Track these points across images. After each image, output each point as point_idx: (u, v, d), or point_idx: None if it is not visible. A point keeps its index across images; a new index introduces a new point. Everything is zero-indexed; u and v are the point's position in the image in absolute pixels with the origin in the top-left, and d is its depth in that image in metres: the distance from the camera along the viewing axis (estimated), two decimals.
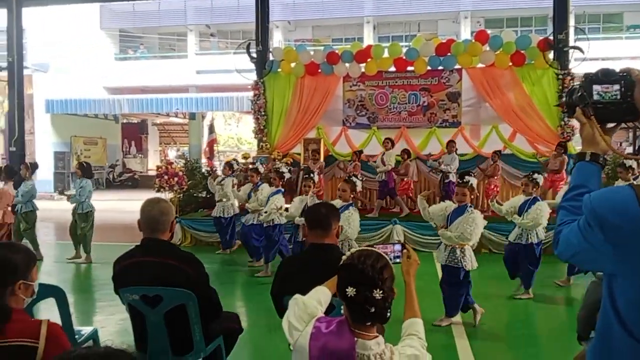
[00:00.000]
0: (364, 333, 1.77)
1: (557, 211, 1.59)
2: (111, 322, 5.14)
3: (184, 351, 2.94)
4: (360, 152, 10.29)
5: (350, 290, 1.74)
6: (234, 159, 9.89)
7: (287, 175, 7.73)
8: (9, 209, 7.60)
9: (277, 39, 22.45)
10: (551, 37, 10.00)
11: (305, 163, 10.49)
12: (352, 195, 5.54)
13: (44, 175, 19.16)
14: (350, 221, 5.12)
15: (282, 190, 7.33)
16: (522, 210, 5.79)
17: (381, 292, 1.74)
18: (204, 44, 25.31)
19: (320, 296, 2.07)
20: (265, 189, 7.36)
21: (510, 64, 10.00)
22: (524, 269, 5.84)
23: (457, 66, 10.34)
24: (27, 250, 2.08)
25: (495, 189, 9.72)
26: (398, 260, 2.15)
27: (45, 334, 1.87)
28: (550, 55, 9.89)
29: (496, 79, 10.12)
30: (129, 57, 24.74)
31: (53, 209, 8.51)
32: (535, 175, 5.95)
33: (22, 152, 12.53)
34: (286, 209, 7.06)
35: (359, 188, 5.78)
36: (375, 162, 9.93)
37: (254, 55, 11.15)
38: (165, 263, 2.83)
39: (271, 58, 11.20)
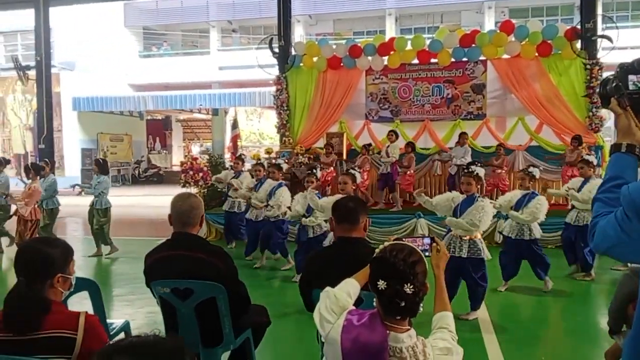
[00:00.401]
0: (396, 326, 1.78)
1: (592, 203, 1.56)
2: (140, 315, 5.24)
3: (214, 343, 2.98)
4: (370, 145, 10.22)
5: (381, 284, 1.75)
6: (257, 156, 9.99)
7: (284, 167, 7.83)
8: (36, 205, 7.79)
9: (298, 34, 22.45)
10: (578, 26, 9.79)
11: (314, 151, 10.55)
12: (353, 188, 5.63)
13: (72, 171, 19.62)
14: None
15: (284, 183, 7.36)
16: (520, 204, 5.68)
17: (412, 286, 1.74)
18: (225, 40, 25.47)
19: (349, 288, 2.08)
20: (267, 183, 7.32)
21: (537, 54, 9.83)
22: (535, 260, 5.77)
23: (482, 57, 10.21)
24: (65, 244, 2.14)
25: (506, 182, 9.48)
26: (427, 253, 2.14)
27: (83, 326, 1.93)
28: (578, 44, 9.69)
29: (522, 70, 9.96)
30: (153, 54, 25.06)
31: (80, 205, 8.68)
32: (531, 169, 5.92)
33: (50, 149, 12.82)
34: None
35: (358, 180, 5.88)
36: (379, 153, 9.92)
37: (276, 50, 11.18)
38: (196, 257, 2.87)
39: (293, 53, 11.21)
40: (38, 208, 7.80)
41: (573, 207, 6.44)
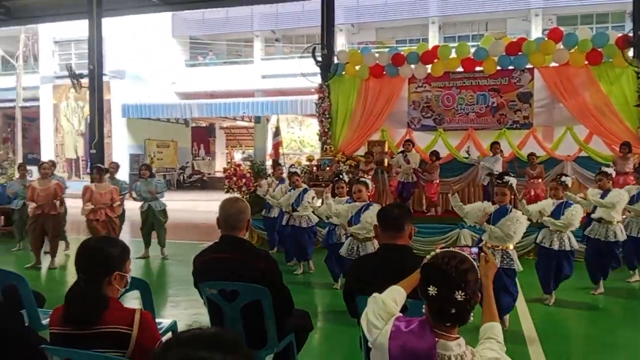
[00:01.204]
0: (445, 334, 1.77)
1: None
2: (185, 316, 5.36)
3: (258, 346, 3.03)
4: (437, 152, 10.06)
5: (432, 290, 1.75)
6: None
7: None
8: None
9: (340, 43, 22.55)
10: (630, 34, 9.46)
11: (356, 159, 10.58)
12: (368, 194, 5.84)
13: (120, 176, 20.20)
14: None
15: (309, 188, 7.60)
16: (556, 214, 5.50)
17: (463, 294, 1.74)
18: (269, 49, 25.86)
19: (396, 295, 2.08)
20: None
21: (586, 62, 9.55)
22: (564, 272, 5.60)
23: (529, 65, 10.00)
24: (123, 244, 2.24)
25: (541, 193, 9.03)
26: (475, 263, 2.12)
27: (138, 322, 2.01)
28: (630, 52, 9.37)
29: (571, 79, 9.70)
30: (199, 63, 25.69)
31: (128, 208, 9.01)
32: (564, 178, 5.77)
33: (101, 154, 13.27)
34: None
35: (370, 187, 6.05)
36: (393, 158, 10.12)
37: (319, 58, 11.29)
38: (242, 259, 2.94)
39: (336, 61, 11.29)
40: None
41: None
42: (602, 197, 6.06)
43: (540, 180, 9.23)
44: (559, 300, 5.74)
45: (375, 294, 2.03)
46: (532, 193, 9.10)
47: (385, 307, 1.94)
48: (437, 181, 9.74)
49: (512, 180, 4.85)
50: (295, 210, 7.37)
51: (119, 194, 7.96)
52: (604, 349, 4.64)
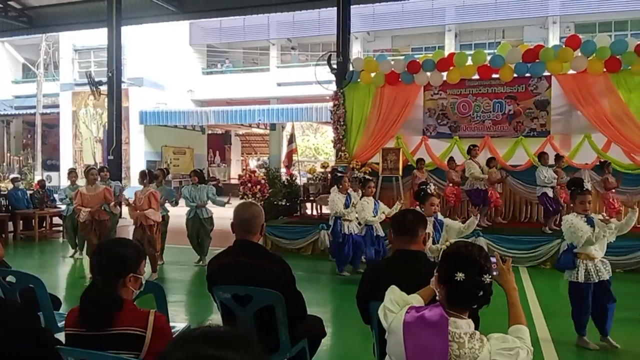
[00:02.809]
0: (457, 314, 1.86)
1: None
2: (197, 321, 5.37)
3: (270, 351, 3.02)
4: (452, 159, 9.98)
5: (460, 275, 1.83)
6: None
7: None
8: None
9: (356, 50, 22.60)
10: None
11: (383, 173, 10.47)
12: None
13: (137, 182, 20.43)
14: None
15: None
16: None
17: (489, 277, 1.86)
18: (284, 57, 26.02)
19: (414, 302, 2.08)
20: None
21: (605, 70, 9.45)
22: None
23: (546, 73, 9.92)
24: (137, 246, 2.26)
25: (615, 204, 8.63)
26: (495, 272, 2.08)
27: (152, 324, 2.02)
28: None
29: (589, 86, 9.60)
30: (216, 71, 25.93)
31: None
32: None
33: (119, 160, 13.44)
34: None
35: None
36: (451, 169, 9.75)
37: (335, 66, 11.32)
38: (255, 264, 2.94)
39: (351, 69, 11.31)
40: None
41: None
42: None
43: (612, 192, 8.77)
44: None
45: (392, 286, 2.12)
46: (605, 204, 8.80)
47: (402, 295, 2.06)
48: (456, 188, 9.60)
49: (588, 185, 4.55)
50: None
51: (113, 195, 7.90)
52: None
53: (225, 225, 10.42)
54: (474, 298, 1.85)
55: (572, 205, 4.71)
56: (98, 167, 8.74)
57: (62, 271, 8.02)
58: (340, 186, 7.59)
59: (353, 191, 7.82)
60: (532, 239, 8.23)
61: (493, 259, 2.08)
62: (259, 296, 2.90)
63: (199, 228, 8.27)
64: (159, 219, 7.34)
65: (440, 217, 4.97)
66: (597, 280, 4.39)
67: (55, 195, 10.11)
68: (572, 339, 4.66)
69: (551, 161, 9.05)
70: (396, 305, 1.99)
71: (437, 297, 1.95)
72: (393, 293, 2.07)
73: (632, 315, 5.30)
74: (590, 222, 4.38)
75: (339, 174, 8.10)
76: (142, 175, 7.62)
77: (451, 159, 9.89)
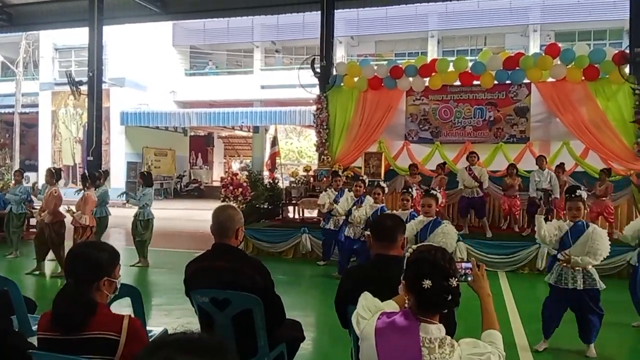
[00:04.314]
0: (427, 319, 1.85)
1: None
2: (177, 325, 5.30)
3: (249, 355, 3.01)
4: (444, 164, 10.00)
5: (427, 283, 1.81)
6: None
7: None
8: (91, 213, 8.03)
9: (339, 54, 22.69)
10: (627, 51, 9.55)
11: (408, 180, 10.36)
12: (437, 210, 5.51)
13: (117, 183, 20.21)
14: None
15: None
16: None
17: (455, 279, 1.85)
18: (268, 60, 26.00)
19: (387, 309, 2.08)
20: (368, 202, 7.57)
21: (583, 78, 9.63)
22: None
23: (526, 80, 10.07)
24: (112, 249, 2.23)
25: (611, 210, 8.77)
26: (469, 278, 2.12)
27: (126, 328, 2.00)
28: (626, 69, 9.45)
29: (568, 94, 9.77)
30: (198, 72, 25.79)
31: (125, 215, 8.99)
32: None
33: (98, 161, 13.25)
34: None
35: (440, 201, 5.84)
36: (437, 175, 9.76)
37: (318, 70, 11.34)
38: (233, 267, 2.92)
39: (334, 73, 11.34)
40: (92, 216, 8.04)
41: None
42: None
43: (607, 198, 8.77)
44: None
45: (366, 292, 2.11)
46: (596, 211, 8.77)
47: (374, 301, 2.04)
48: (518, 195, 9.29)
49: (583, 194, 4.53)
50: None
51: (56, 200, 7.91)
52: None
53: (173, 226, 10.37)
54: (443, 303, 1.84)
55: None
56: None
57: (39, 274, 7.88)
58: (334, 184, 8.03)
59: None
60: (511, 244, 8.32)
61: (469, 265, 2.12)
62: (237, 300, 2.89)
63: (135, 229, 8.32)
64: (88, 223, 7.51)
65: (415, 213, 5.52)
66: (569, 287, 4.42)
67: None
68: (549, 344, 4.72)
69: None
70: (368, 312, 1.99)
71: (406, 304, 1.94)
72: (365, 299, 2.06)
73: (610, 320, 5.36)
74: (576, 228, 4.42)
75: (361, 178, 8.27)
76: (83, 178, 7.95)
77: (442, 164, 9.95)
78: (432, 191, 5.52)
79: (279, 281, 2.89)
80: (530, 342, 4.84)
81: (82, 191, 7.74)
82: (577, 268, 4.42)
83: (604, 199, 8.76)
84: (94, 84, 13.12)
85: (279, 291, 3.10)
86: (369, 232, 3.01)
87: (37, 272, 7.75)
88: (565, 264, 4.46)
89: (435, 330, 1.84)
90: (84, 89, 13.84)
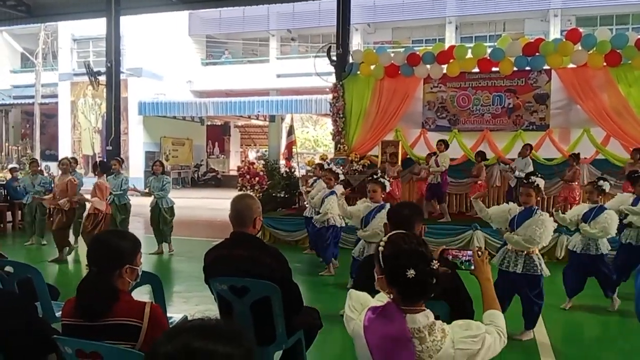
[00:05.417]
0: (412, 308, 1.83)
1: (636, 277, 1.49)
2: (195, 312, 5.38)
3: (267, 342, 3.04)
4: (483, 153, 9.81)
5: (410, 272, 1.78)
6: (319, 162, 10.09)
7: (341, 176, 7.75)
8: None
9: (356, 42, 22.52)
10: None
11: (382, 166, 10.44)
12: (382, 196, 5.55)
13: (136, 173, 20.48)
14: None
15: (335, 191, 7.30)
16: (587, 218, 5.40)
17: (436, 262, 1.84)
18: (284, 49, 25.93)
19: (373, 303, 2.09)
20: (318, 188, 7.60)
21: (605, 64, 9.43)
22: (602, 277, 5.49)
23: (546, 67, 9.89)
24: (134, 237, 2.27)
25: (577, 196, 8.91)
26: (472, 267, 2.18)
27: (148, 315, 2.03)
28: None
29: (588, 80, 9.59)
30: (215, 62, 25.85)
31: (141, 204, 9.12)
32: (601, 182, 5.59)
33: (117, 151, 13.41)
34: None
35: (388, 189, 5.75)
36: (427, 163, 9.68)
37: (334, 58, 11.28)
38: (252, 256, 2.95)
39: (351, 61, 11.27)
40: (108, 203, 8.17)
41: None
42: (635, 202, 5.90)
43: (576, 183, 9.00)
44: (577, 305, 5.62)
45: (350, 290, 2.09)
46: (564, 195, 9.01)
47: (358, 298, 2.00)
48: (482, 182, 9.51)
49: (539, 181, 4.66)
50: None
51: (74, 187, 8.09)
52: (618, 355, 4.58)
53: (191, 215, 10.52)
54: (429, 288, 1.82)
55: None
56: (67, 158, 9.00)
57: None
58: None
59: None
60: None
61: (469, 253, 2.20)
62: (255, 288, 2.92)
63: (157, 218, 8.45)
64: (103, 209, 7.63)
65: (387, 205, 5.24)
66: (510, 270, 4.55)
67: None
68: (569, 334, 4.70)
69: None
70: (355, 311, 1.95)
71: (389, 298, 1.89)
72: (350, 298, 2.02)
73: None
74: (525, 213, 4.56)
75: (327, 167, 8.12)
76: (94, 166, 8.17)
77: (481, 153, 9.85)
78: (379, 178, 5.64)
79: (295, 269, 2.92)
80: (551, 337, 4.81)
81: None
82: (519, 252, 4.54)
83: (571, 184, 8.94)
84: (112, 74, 13.24)
85: (296, 279, 3.12)
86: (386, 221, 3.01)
87: (60, 260, 7.91)
88: (509, 248, 4.61)
89: (422, 318, 1.80)
90: (102, 79, 13.96)
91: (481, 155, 9.68)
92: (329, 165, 8.75)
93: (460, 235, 8.47)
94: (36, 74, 23.34)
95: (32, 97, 23.76)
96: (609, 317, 5.51)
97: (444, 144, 9.38)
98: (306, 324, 3.32)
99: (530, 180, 4.66)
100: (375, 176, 5.75)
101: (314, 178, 8.52)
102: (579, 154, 9.26)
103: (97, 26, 16.30)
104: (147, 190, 8.58)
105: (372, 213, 5.37)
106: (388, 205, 5.34)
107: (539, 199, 4.89)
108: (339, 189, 7.22)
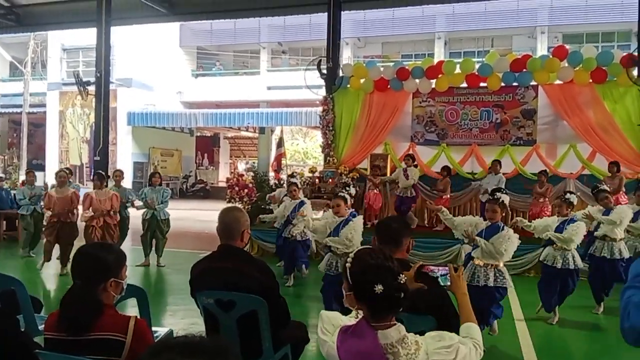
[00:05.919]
0: (383, 324, 1.81)
1: (622, 293, 1.53)
2: (182, 326, 5.33)
3: (253, 357, 3.02)
4: (449, 167, 9.96)
5: (378, 288, 1.77)
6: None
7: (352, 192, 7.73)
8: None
9: (346, 56, 22.69)
10: (635, 53, 9.49)
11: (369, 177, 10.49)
12: (346, 209, 5.52)
13: (124, 183, 20.27)
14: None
15: (304, 202, 7.41)
16: (560, 231, 5.50)
17: (403, 276, 1.83)
18: (275, 61, 26.03)
19: (346, 321, 2.08)
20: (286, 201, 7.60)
21: (591, 80, 9.56)
22: (569, 290, 5.61)
23: (533, 82, 10.02)
24: (119, 250, 2.24)
25: (548, 212, 8.88)
26: (448, 282, 2.21)
27: (132, 329, 2.01)
28: (635, 71, 9.38)
29: (575, 97, 9.71)
30: (205, 73, 25.87)
31: (134, 215, 9.05)
32: (568, 196, 5.71)
33: (105, 161, 13.31)
34: None
35: (349, 202, 5.72)
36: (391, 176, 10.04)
37: (324, 71, 11.34)
38: (239, 270, 2.93)
39: (341, 74, 11.34)
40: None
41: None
42: (605, 214, 6.04)
43: (546, 199, 9.12)
44: (560, 319, 5.69)
45: (321, 312, 2.06)
46: (535, 211, 9.06)
47: (329, 320, 1.97)
48: (447, 196, 9.65)
49: (504, 197, 4.78)
50: (290, 222, 7.30)
51: (119, 202, 7.98)
52: None
53: (179, 226, 10.41)
54: (397, 303, 1.81)
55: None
56: (65, 169, 8.86)
57: (45, 273, 7.91)
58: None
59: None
60: (519, 246, 8.26)
61: (445, 270, 2.22)
62: (242, 302, 2.90)
63: (151, 229, 8.32)
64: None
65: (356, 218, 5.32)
66: (481, 284, 4.60)
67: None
68: (554, 348, 4.71)
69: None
70: (327, 333, 1.93)
71: (358, 316, 1.88)
72: (321, 320, 1.99)
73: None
74: (491, 228, 4.63)
75: (291, 180, 8.11)
76: (100, 177, 8.03)
77: (447, 167, 9.93)
78: (339, 192, 5.72)
79: (284, 283, 2.89)
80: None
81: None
82: (489, 266, 4.62)
83: (541, 200, 9.08)
84: (102, 84, 13.17)
85: (283, 293, 3.10)
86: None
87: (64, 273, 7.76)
88: (478, 263, 4.67)
89: (394, 332, 1.80)
90: (91, 89, 13.90)
91: (447, 170, 9.77)
92: (294, 177, 8.90)
93: (449, 249, 8.50)
94: (25, 83, 23.17)
95: (20, 106, 23.55)
96: (596, 332, 5.53)
97: (411, 159, 9.88)
98: (293, 338, 3.30)
99: (495, 197, 4.76)
100: (339, 192, 5.85)
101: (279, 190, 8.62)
102: (547, 170, 9.41)
103: (87, 36, 16.24)
104: (149, 202, 8.31)
105: (338, 228, 5.34)
106: (357, 218, 5.40)
107: (503, 214, 4.94)
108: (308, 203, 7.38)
